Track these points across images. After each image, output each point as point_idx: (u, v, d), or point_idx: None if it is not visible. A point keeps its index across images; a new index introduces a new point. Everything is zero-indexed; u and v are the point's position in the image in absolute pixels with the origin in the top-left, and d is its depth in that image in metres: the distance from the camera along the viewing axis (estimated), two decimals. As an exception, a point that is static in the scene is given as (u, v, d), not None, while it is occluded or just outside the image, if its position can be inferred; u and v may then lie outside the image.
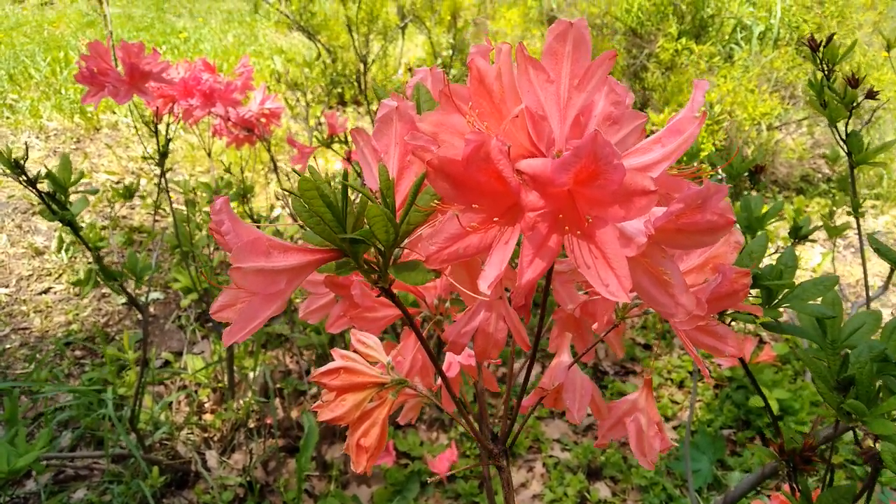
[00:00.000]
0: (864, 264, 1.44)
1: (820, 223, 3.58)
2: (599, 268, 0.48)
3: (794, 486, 0.97)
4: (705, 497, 2.37)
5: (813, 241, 1.84)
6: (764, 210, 1.31)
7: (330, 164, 4.14)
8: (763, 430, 2.62)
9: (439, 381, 0.87)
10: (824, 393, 0.85)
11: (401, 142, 0.62)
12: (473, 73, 0.52)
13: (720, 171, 1.86)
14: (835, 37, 1.18)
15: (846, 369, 0.84)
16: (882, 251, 0.79)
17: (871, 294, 1.59)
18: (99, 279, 1.68)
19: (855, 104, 1.15)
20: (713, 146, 2.73)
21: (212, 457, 2.34)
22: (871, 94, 1.13)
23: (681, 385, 2.87)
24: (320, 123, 3.57)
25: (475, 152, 0.47)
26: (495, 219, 0.51)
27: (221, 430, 2.46)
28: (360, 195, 0.56)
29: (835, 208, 2.36)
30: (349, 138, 2.07)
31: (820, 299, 0.90)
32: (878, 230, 3.82)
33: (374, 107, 5.84)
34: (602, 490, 2.40)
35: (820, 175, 4.44)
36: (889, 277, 1.50)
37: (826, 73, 1.20)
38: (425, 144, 0.56)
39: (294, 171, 2.73)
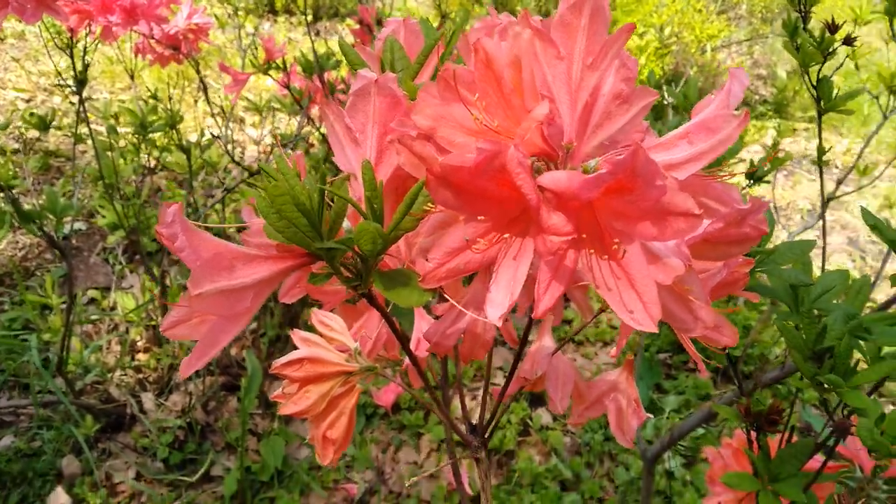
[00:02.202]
0: (823, 229, 1.43)
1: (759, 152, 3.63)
2: (623, 291, 0.42)
3: (759, 444, 0.98)
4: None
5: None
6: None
7: (265, 87, 3.90)
8: (703, 359, 2.71)
9: (406, 360, 0.81)
10: (799, 363, 0.84)
11: (380, 120, 0.54)
12: (480, 57, 0.43)
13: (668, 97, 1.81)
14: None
15: (822, 341, 0.82)
16: (881, 230, 0.76)
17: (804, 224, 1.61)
18: (15, 221, 1.52)
19: (831, 50, 1.10)
20: (661, 70, 2.68)
21: (148, 399, 2.26)
22: (849, 41, 1.08)
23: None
24: (252, 34, 3.32)
25: (488, 162, 0.39)
26: (501, 233, 0.44)
27: (157, 371, 2.37)
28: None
29: (779, 139, 2.36)
30: (287, 64, 1.91)
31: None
32: (810, 152, 3.91)
33: (309, 16, 5.49)
34: (544, 417, 2.45)
35: (757, 97, 4.48)
36: (823, 208, 1.51)
37: (802, 14, 1.15)
38: (415, 133, 0.48)
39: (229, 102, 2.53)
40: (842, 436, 0.84)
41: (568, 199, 0.39)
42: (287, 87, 1.91)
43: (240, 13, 3.62)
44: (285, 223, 0.47)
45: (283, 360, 0.71)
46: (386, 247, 0.45)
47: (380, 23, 2.16)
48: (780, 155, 2.47)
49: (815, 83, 1.18)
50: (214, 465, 2.13)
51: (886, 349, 0.89)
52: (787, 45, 1.16)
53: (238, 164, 1.85)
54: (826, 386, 0.80)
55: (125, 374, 2.32)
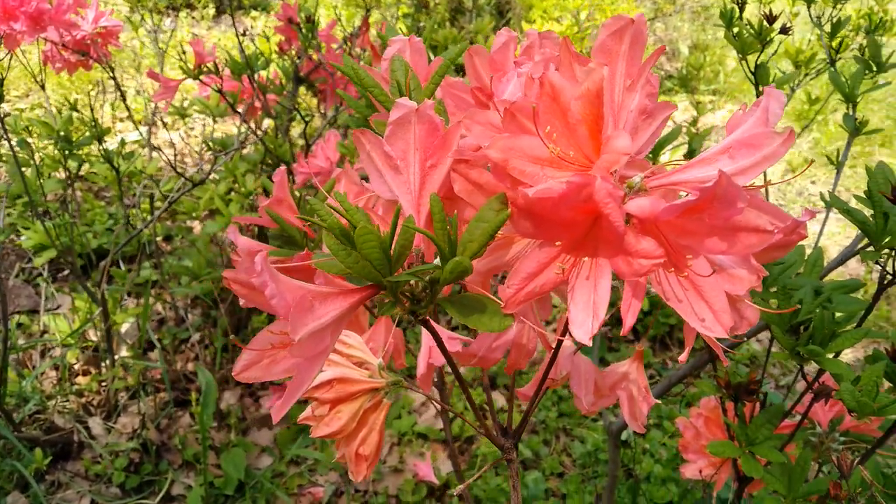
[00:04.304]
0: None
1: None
2: (693, 301, 0.46)
3: (737, 413, 1.06)
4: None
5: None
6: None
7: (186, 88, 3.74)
8: (636, 327, 2.84)
9: (422, 367, 0.82)
10: (779, 335, 0.91)
11: (421, 147, 0.55)
12: (546, 90, 0.45)
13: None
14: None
15: (798, 315, 0.90)
16: (852, 213, 0.83)
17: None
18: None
19: (769, 39, 1.18)
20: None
21: (96, 424, 2.16)
22: (784, 30, 1.16)
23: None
24: (153, 31, 3.18)
25: (576, 193, 0.41)
26: (573, 256, 0.46)
27: (100, 394, 2.27)
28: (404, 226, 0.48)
29: (697, 115, 2.49)
30: (219, 67, 1.86)
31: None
32: (717, 123, 4.13)
33: (210, 10, 5.30)
34: (499, 400, 2.52)
35: (663, 72, 4.67)
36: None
37: (739, 5, 1.22)
38: (472, 159, 0.50)
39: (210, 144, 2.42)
40: (824, 399, 0.92)
41: (650, 224, 0.42)
42: (220, 91, 1.85)
43: (142, 11, 3.47)
44: (355, 258, 0.48)
45: (313, 384, 0.71)
46: (466, 274, 0.46)
47: (309, 20, 2.13)
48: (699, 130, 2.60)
49: (752, 70, 1.26)
50: (174, 483, 2.08)
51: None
52: (726, 35, 1.24)
53: (181, 174, 1.79)
54: (804, 356, 0.88)
55: (67, 401, 2.21)
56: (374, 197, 0.84)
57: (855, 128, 1.46)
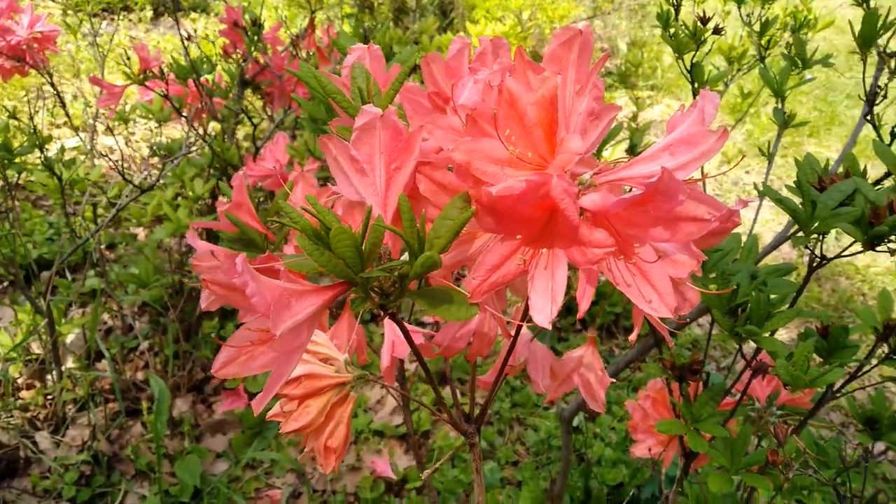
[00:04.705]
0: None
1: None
2: (640, 286, 0.50)
3: (682, 393, 1.12)
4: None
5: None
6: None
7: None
8: (584, 318, 2.92)
9: (386, 360, 0.86)
10: (719, 318, 0.97)
11: (386, 150, 0.58)
12: (504, 97, 0.49)
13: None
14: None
15: (735, 298, 0.96)
16: (784, 203, 0.90)
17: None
18: None
19: (703, 39, 1.25)
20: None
21: (43, 438, 2.11)
22: (717, 31, 1.23)
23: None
24: (94, 35, 3.10)
25: (534, 191, 0.45)
26: (531, 248, 0.50)
27: (47, 408, 2.22)
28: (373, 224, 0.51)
29: (637, 111, 2.57)
30: (165, 72, 1.84)
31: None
32: (655, 118, 4.26)
33: (147, 12, 5.18)
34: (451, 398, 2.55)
35: (603, 70, 4.79)
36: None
37: (675, 6, 1.28)
38: (435, 161, 0.53)
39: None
40: (761, 374, 0.99)
41: (601, 216, 0.47)
42: (167, 96, 1.84)
43: (80, 15, 3.38)
44: (328, 257, 0.51)
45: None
46: (434, 269, 0.50)
47: (255, 23, 2.12)
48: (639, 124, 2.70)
49: (688, 69, 1.33)
50: (128, 494, 2.05)
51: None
52: (663, 35, 1.30)
53: (128, 181, 1.77)
54: (742, 336, 0.94)
55: (11, 416, 2.16)
56: (333, 198, 0.86)
57: (784, 121, 1.55)
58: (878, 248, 0.86)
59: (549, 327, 0.48)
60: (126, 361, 2.47)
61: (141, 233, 2.93)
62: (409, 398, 0.74)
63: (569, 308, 2.95)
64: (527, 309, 0.65)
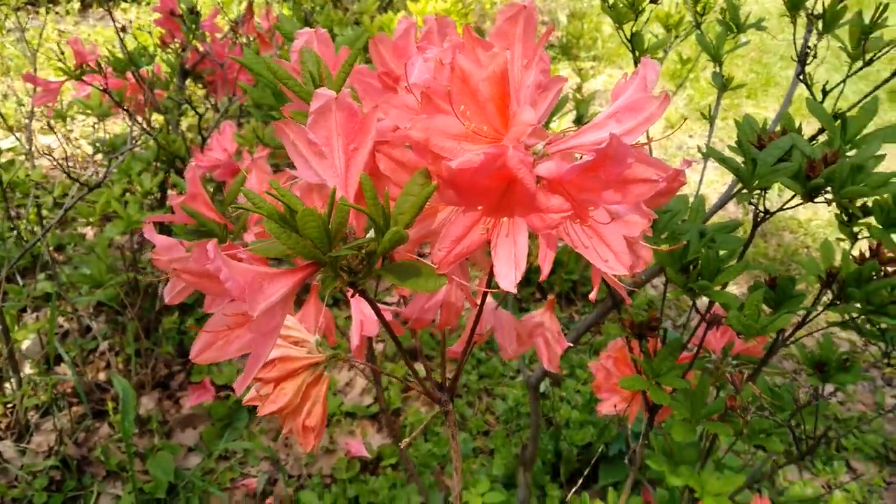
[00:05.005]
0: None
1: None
2: (597, 247, 0.53)
3: (642, 349, 1.17)
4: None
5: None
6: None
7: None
8: (542, 286, 2.98)
9: (356, 339, 0.87)
10: (673, 275, 1.01)
11: (343, 132, 0.59)
12: (457, 74, 0.50)
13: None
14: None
15: (687, 255, 1.00)
16: (727, 162, 0.94)
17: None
18: None
19: (641, 9, 1.28)
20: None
21: (6, 447, 2.07)
22: (654, 0, 1.26)
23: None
24: (22, 30, 2.99)
25: (492, 162, 0.47)
26: (492, 217, 0.53)
27: (7, 416, 2.17)
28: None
29: (581, 82, 2.61)
30: (102, 66, 1.79)
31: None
32: (599, 88, 4.33)
33: (75, 4, 4.99)
34: (420, 370, 2.59)
35: (545, 43, 4.82)
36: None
37: (612, -23, 1.31)
38: (392, 140, 0.55)
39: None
40: (715, 326, 1.03)
41: (556, 183, 0.49)
42: (106, 91, 1.80)
43: (2, 8, 3.25)
44: (296, 239, 0.52)
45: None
46: (400, 243, 0.51)
47: (192, 10, 2.08)
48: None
49: (629, 38, 1.36)
50: (101, 496, 2.03)
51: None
52: (603, 6, 1.33)
53: (75, 179, 1.73)
54: (695, 290, 0.99)
55: (-30, 428, 2.11)
56: (290, 182, 0.87)
57: (722, 84, 1.61)
58: (816, 200, 0.91)
59: (515, 291, 0.50)
60: (87, 363, 2.42)
61: (90, 232, 2.87)
62: (381, 372, 0.76)
63: (528, 279, 3.00)
64: (491, 278, 0.68)
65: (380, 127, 0.59)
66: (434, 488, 2.07)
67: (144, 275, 2.37)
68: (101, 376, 2.41)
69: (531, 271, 2.98)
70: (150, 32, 2.47)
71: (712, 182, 3.86)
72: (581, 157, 0.52)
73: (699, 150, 1.10)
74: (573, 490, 1.34)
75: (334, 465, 2.22)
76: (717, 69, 1.53)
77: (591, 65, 4.53)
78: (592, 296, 0.55)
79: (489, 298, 0.83)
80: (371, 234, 0.55)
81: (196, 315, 2.64)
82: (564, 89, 0.79)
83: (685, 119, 3.97)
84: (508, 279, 0.50)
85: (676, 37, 1.97)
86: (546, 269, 0.51)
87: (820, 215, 3.95)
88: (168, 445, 2.21)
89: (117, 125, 3.36)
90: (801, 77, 1.18)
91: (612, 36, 4.88)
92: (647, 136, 0.76)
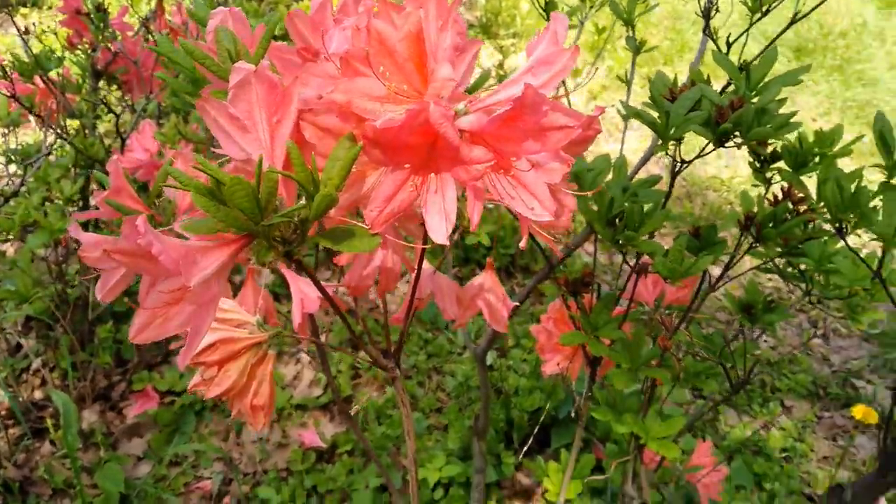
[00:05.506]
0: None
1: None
2: (522, 196, 0.55)
3: (578, 304, 1.21)
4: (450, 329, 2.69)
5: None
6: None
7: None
8: (480, 261, 3.02)
9: (297, 317, 0.88)
10: (601, 230, 1.05)
11: (265, 105, 0.60)
12: (374, 36, 0.51)
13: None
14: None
15: (612, 209, 1.04)
16: (641, 115, 0.98)
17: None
18: None
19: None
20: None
21: (-59, 476, 1.98)
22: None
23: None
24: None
25: (414, 119, 0.49)
26: (420, 175, 0.54)
27: (-61, 443, 2.08)
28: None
29: (503, 58, 2.64)
30: (7, 71, 1.72)
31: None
32: (521, 64, 4.36)
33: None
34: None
35: (466, 22, 4.85)
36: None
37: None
38: (316, 108, 0.56)
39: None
40: (643, 272, 1.08)
41: (478, 136, 0.51)
42: (14, 97, 1.72)
43: None
44: (226, 212, 0.52)
45: (198, 350, 0.74)
46: (331, 207, 0.52)
47: (99, 9, 2.01)
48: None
49: (543, 7, 1.39)
50: (49, 515, 1.97)
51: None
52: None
53: (-11, 190, 1.65)
54: (622, 242, 1.03)
55: None
56: (217, 163, 0.87)
57: (636, 47, 1.66)
58: (727, 145, 0.96)
59: (447, 243, 0.52)
60: (20, 382, 2.34)
61: (9, 248, 2.75)
62: (324, 346, 0.77)
63: (467, 258, 3.04)
64: (426, 241, 0.69)
65: (302, 97, 0.60)
66: (392, 468, 2.09)
67: (73, 287, 2.29)
68: (38, 394, 2.32)
69: (469, 249, 3.02)
70: (55, 34, 2.37)
71: (636, 151, 3.97)
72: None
73: (618, 110, 1.14)
74: (523, 452, 1.38)
75: (289, 458, 2.21)
76: (631, 33, 1.58)
77: (511, 42, 4.58)
78: (522, 244, 0.58)
79: (427, 264, 0.84)
80: (303, 201, 0.56)
81: (130, 323, 2.57)
82: (487, 67, 0.80)
83: (605, 88, 4.06)
84: (440, 232, 0.52)
85: (591, 7, 2.02)
86: (475, 219, 0.52)
87: (741, 173, 4.12)
88: (115, 457, 2.15)
89: (28, 135, 3.22)
90: (707, 32, 1.23)
91: (531, 12, 4.94)
92: (565, 89, 0.78)
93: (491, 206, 2.82)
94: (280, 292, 2.47)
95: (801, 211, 1.13)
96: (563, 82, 1.56)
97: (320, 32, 0.71)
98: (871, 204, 0.89)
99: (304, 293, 0.88)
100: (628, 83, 1.73)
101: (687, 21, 5.50)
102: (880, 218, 0.84)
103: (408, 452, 0.80)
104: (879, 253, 0.95)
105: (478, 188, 0.53)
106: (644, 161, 1.47)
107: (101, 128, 3.02)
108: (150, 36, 2.35)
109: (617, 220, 1.06)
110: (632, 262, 1.15)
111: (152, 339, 0.53)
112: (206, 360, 0.75)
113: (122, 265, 0.55)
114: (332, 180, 0.52)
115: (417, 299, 0.79)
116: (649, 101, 1.07)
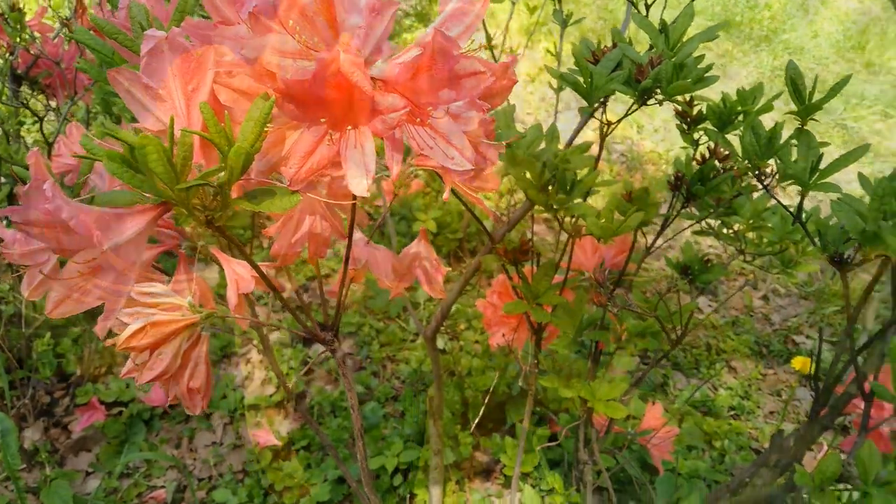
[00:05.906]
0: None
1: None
2: (442, 147, 0.56)
3: (518, 274, 1.22)
4: (407, 314, 2.69)
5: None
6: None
7: None
8: (433, 242, 3.01)
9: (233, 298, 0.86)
10: (534, 196, 1.07)
11: (179, 73, 0.58)
12: (280, -10, 0.51)
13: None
14: None
15: (544, 176, 1.06)
16: (566, 79, 0.99)
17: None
18: None
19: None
20: None
21: None
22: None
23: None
24: None
25: (325, 69, 0.48)
26: (338, 130, 0.54)
27: None
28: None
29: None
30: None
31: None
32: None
33: None
34: (319, 348, 2.57)
35: (401, 11, 4.85)
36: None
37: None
38: (230, 69, 0.55)
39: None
40: (577, 235, 1.10)
41: (392, 85, 0.51)
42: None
43: None
44: (140, 178, 0.51)
45: (126, 334, 0.73)
46: (248, 165, 0.52)
47: (13, 8, 1.94)
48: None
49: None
50: (-5, 538, 1.90)
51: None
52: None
53: None
54: (556, 207, 1.04)
55: None
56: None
57: (563, 21, 1.68)
58: (649, 102, 0.98)
59: (367, 195, 0.52)
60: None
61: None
62: (261, 324, 0.76)
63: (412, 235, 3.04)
64: (354, 207, 0.69)
65: (218, 63, 0.59)
66: (349, 460, 2.08)
67: (7, 304, 2.21)
68: (-26, 415, 2.23)
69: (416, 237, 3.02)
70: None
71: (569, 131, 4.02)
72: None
73: (549, 84, 1.16)
74: (481, 432, 1.39)
75: (245, 459, 2.18)
76: (558, 6, 1.60)
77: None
78: (445, 196, 0.58)
79: (360, 234, 0.84)
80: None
81: (71, 335, 2.50)
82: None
83: (542, 69, 4.10)
84: (360, 183, 0.52)
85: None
86: (395, 170, 0.53)
87: (676, 145, 4.22)
88: (62, 473, 2.09)
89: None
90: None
91: (463, 1, 4.95)
92: (488, 41, 0.78)
93: (419, 172, 2.82)
94: (222, 292, 2.43)
95: (728, 168, 1.16)
96: (491, 50, 1.57)
97: (236, 5, 0.69)
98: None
99: (238, 274, 0.87)
100: (557, 56, 1.75)
101: (619, 1, 5.60)
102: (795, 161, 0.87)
103: (353, 426, 0.80)
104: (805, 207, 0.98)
105: (395, 139, 0.53)
106: (577, 131, 1.49)
107: (29, 138, 2.91)
108: (72, 36, 2.27)
109: (549, 186, 1.07)
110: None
111: (70, 312, 0.52)
112: (136, 344, 0.73)
113: (36, 238, 0.53)
114: (249, 136, 0.52)
115: (352, 269, 0.79)
116: (574, 67, 1.09)
